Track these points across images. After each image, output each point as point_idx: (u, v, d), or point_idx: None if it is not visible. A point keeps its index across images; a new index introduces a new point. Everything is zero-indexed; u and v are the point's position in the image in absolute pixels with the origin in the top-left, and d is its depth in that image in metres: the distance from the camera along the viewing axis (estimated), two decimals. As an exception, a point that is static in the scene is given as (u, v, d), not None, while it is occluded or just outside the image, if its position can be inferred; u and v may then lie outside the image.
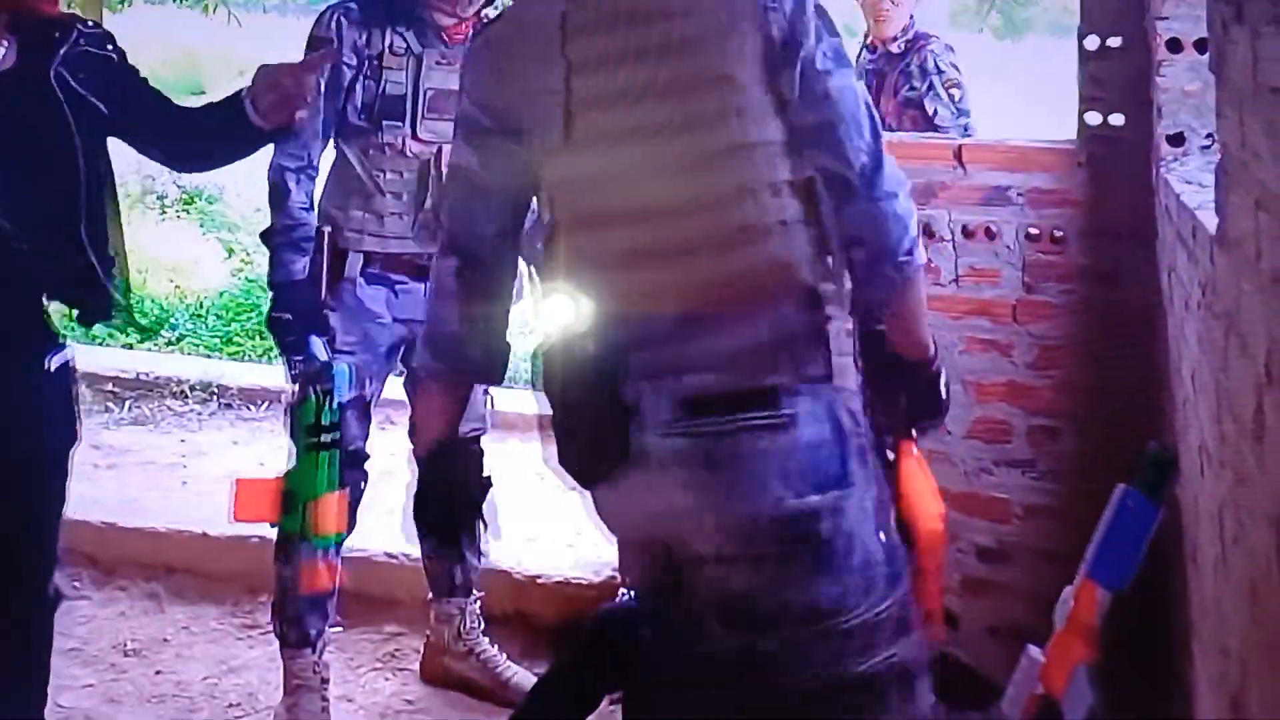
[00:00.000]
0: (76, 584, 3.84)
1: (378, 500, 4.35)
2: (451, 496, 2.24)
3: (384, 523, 4.06)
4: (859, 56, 5.35)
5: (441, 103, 2.90)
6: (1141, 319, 2.90)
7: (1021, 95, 13.58)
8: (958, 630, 3.15)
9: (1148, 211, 2.88)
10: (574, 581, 3.61)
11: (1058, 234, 3.02)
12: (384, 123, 2.92)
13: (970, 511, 3.11)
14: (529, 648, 3.42)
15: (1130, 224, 2.94)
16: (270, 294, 2.96)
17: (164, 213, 9.78)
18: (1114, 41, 2.94)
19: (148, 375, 5.38)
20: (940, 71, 5.02)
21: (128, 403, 5.31)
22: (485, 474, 2.72)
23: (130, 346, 6.54)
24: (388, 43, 2.90)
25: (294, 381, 2.88)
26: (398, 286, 3.06)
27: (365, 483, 3.17)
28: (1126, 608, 2.40)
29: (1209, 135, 2.70)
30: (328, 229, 2.99)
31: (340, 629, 3.54)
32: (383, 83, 2.90)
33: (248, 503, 2.79)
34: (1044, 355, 3.05)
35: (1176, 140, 2.76)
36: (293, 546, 2.87)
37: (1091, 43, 2.97)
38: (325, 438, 2.79)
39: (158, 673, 3.48)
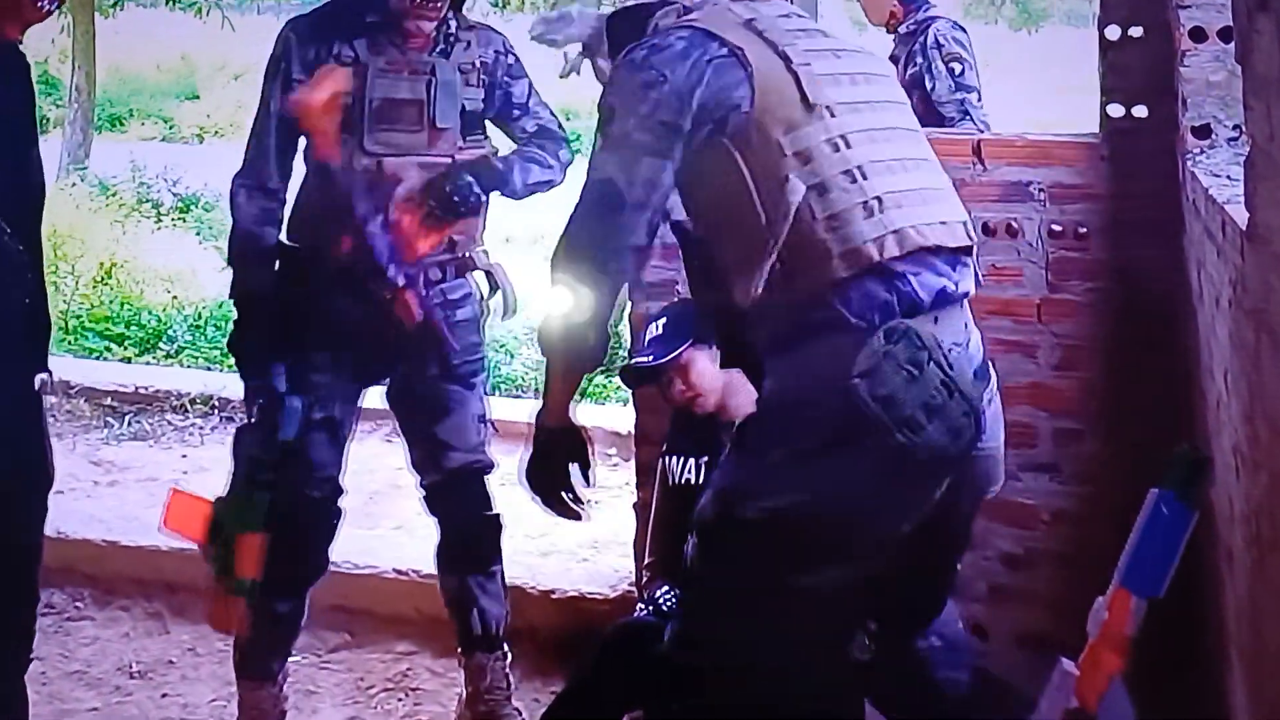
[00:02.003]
0: (79, 604, 3.81)
1: (386, 515, 4.33)
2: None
3: (393, 539, 4.04)
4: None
5: (393, 111, 2.88)
6: (1168, 317, 2.85)
7: (1038, 87, 13.54)
8: (986, 641, 3.10)
9: (1174, 205, 2.83)
10: (588, 596, 3.55)
11: (1081, 230, 2.97)
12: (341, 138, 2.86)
13: (996, 519, 3.05)
14: (542, 663, 3.36)
15: (1156, 218, 2.89)
16: (235, 308, 2.94)
17: (159, 221, 9.77)
18: (1135, 31, 2.90)
19: (147, 389, 5.33)
20: (940, 46, 4.96)
21: (127, 417, 5.24)
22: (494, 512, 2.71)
23: (129, 360, 6.46)
24: (334, 53, 2.85)
25: (251, 405, 2.84)
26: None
27: (339, 519, 3.07)
28: (1161, 613, 2.35)
29: (1236, 127, 2.66)
30: (292, 239, 2.96)
31: (350, 646, 3.53)
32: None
33: (179, 515, 2.76)
34: (1068, 356, 3.01)
35: (1202, 132, 2.72)
36: (212, 580, 2.78)
37: (1112, 32, 2.93)
38: (269, 475, 2.75)
39: (164, 695, 3.44)
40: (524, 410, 3.64)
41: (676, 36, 2.17)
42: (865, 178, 2.13)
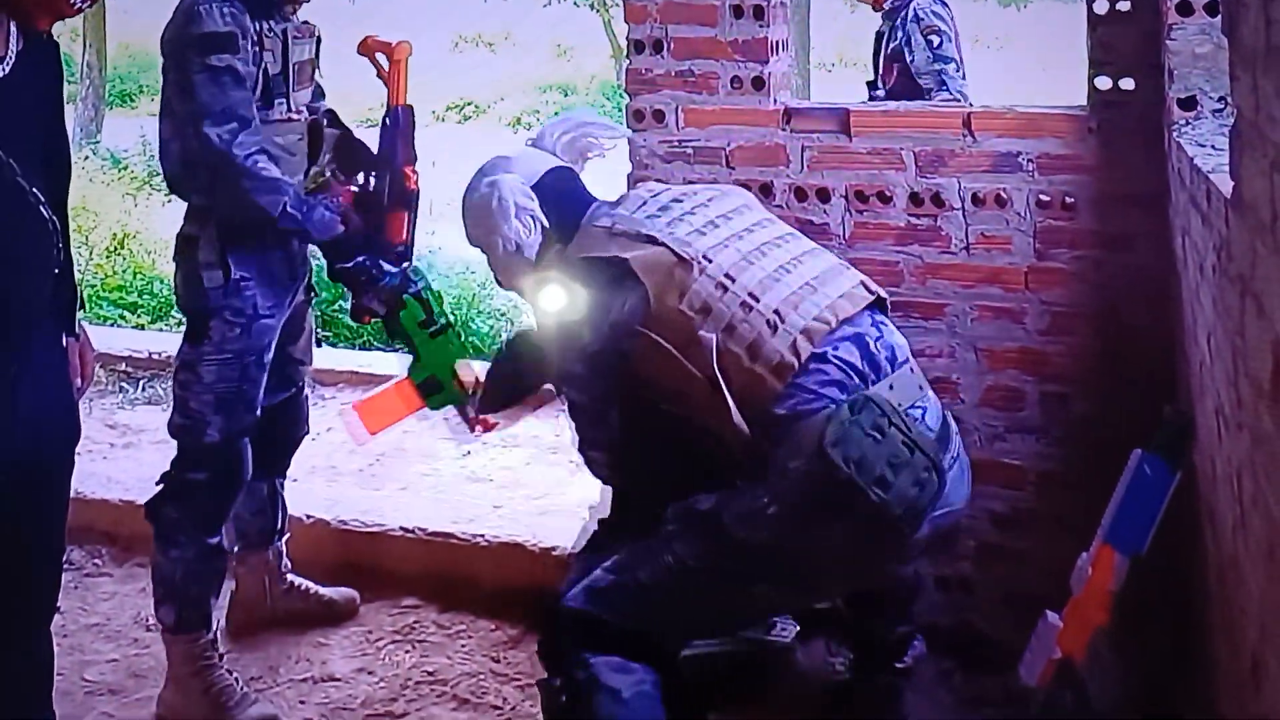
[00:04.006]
0: (97, 561, 3.88)
1: (391, 477, 4.40)
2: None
3: (399, 499, 4.11)
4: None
5: (300, 73, 3.14)
6: (1154, 284, 2.90)
7: (1027, 61, 13.53)
8: (974, 597, 3.17)
9: (1160, 176, 2.88)
10: (589, 554, 3.62)
11: (1069, 200, 3.02)
12: (274, 101, 3.05)
13: (984, 479, 3.11)
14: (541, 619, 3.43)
15: (1142, 188, 2.94)
16: (326, 252, 3.08)
17: (169, 194, 9.77)
18: (1123, 5, 2.93)
19: (160, 355, 5.36)
20: (919, 19, 5.04)
21: (141, 383, 5.35)
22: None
23: (142, 327, 6.57)
24: (261, 27, 3.01)
25: (375, 302, 3.07)
26: (289, 245, 3.16)
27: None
28: (1145, 571, 2.42)
29: (1221, 98, 2.70)
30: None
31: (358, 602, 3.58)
32: (263, 64, 3.01)
33: (377, 415, 3.15)
34: (1056, 322, 3.06)
35: (1188, 104, 2.76)
36: (456, 414, 3.16)
37: (1100, 6, 2.96)
38: (440, 322, 3.11)
39: (179, 646, 3.50)
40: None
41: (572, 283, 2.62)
42: (757, 300, 2.49)
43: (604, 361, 2.54)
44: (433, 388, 3.12)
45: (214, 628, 3.16)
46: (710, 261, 2.51)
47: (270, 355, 3.12)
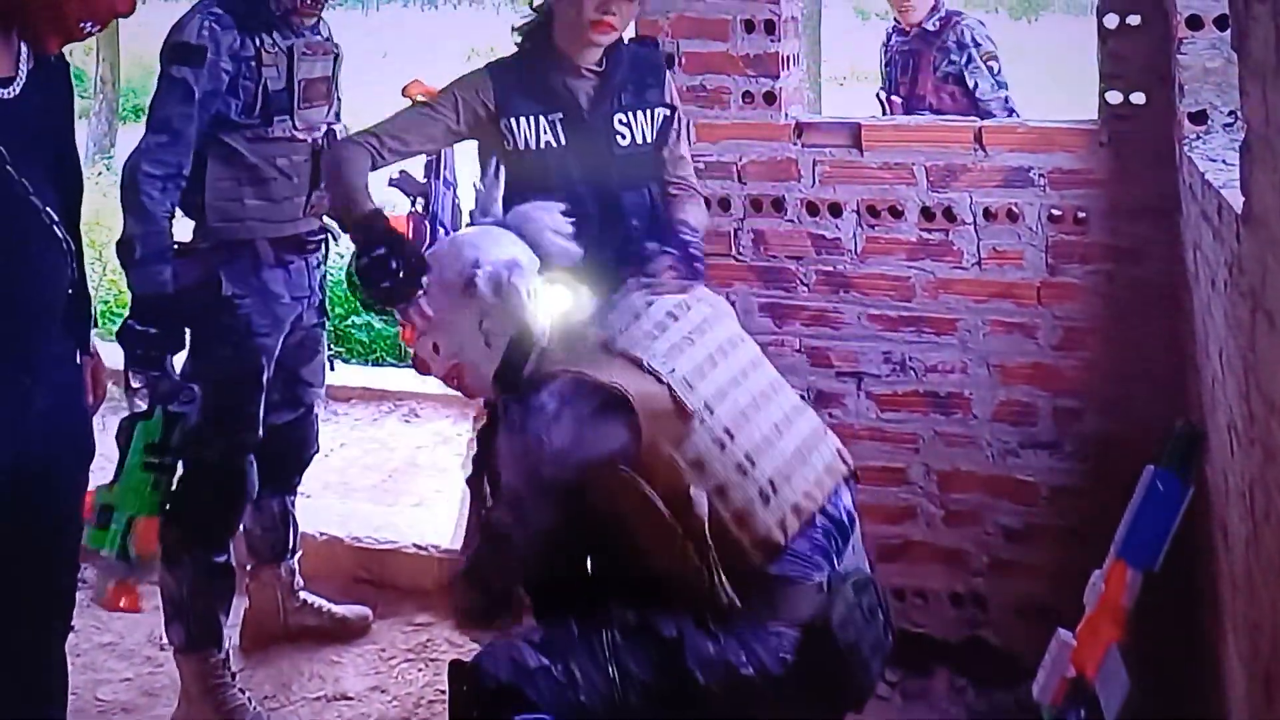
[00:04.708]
0: (111, 580, 3.89)
1: (405, 492, 4.41)
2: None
3: (412, 515, 4.11)
4: (888, 41, 5.38)
5: (312, 91, 3.10)
6: (1166, 298, 2.90)
7: (1039, 75, 13.53)
8: (986, 612, 3.17)
9: (1171, 190, 2.88)
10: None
11: (1080, 214, 3.02)
12: (274, 118, 3.03)
13: (997, 493, 3.12)
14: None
15: (1153, 203, 2.93)
16: (133, 306, 2.91)
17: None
18: (1133, 19, 2.94)
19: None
20: (978, 45, 5.06)
21: (156, 401, 5.37)
22: None
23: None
24: (260, 43, 3.00)
25: (136, 394, 2.89)
26: (290, 266, 3.15)
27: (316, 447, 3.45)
28: (1158, 587, 2.41)
29: (1232, 112, 2.70)
30: (224, 227, 3.04)
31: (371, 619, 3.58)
32: (262, 80, 3.00)
33: None
34: (1068, 336, 3.05)
35: (1199, 118, 2.75)
36: (106, 564, 2.83)
37: (1111, 20, 2.96)
38: (164, 459, 2.81)
39: (192, 665, 3.51)
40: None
41: (549, 394, 2.23)
42: (754, 464, 2.27)
43: (556, 493, 2.23)
44: (103, 519, 2.74)
45: (225, 646, 3.16)
46: (711, 414, 2.27)
47: (269, 374, 3.10)
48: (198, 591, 3.09)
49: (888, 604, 2.36)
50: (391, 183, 3.37)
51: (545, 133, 2.73)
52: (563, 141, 2.73)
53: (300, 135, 3.08)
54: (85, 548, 2.59)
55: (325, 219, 3.18)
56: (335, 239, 3.27)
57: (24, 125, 2.26)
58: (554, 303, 2.41)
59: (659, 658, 2.22)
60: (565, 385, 2.24)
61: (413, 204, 3.45)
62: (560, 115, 2.75)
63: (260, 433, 3.10)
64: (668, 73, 2.96)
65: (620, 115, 2.80)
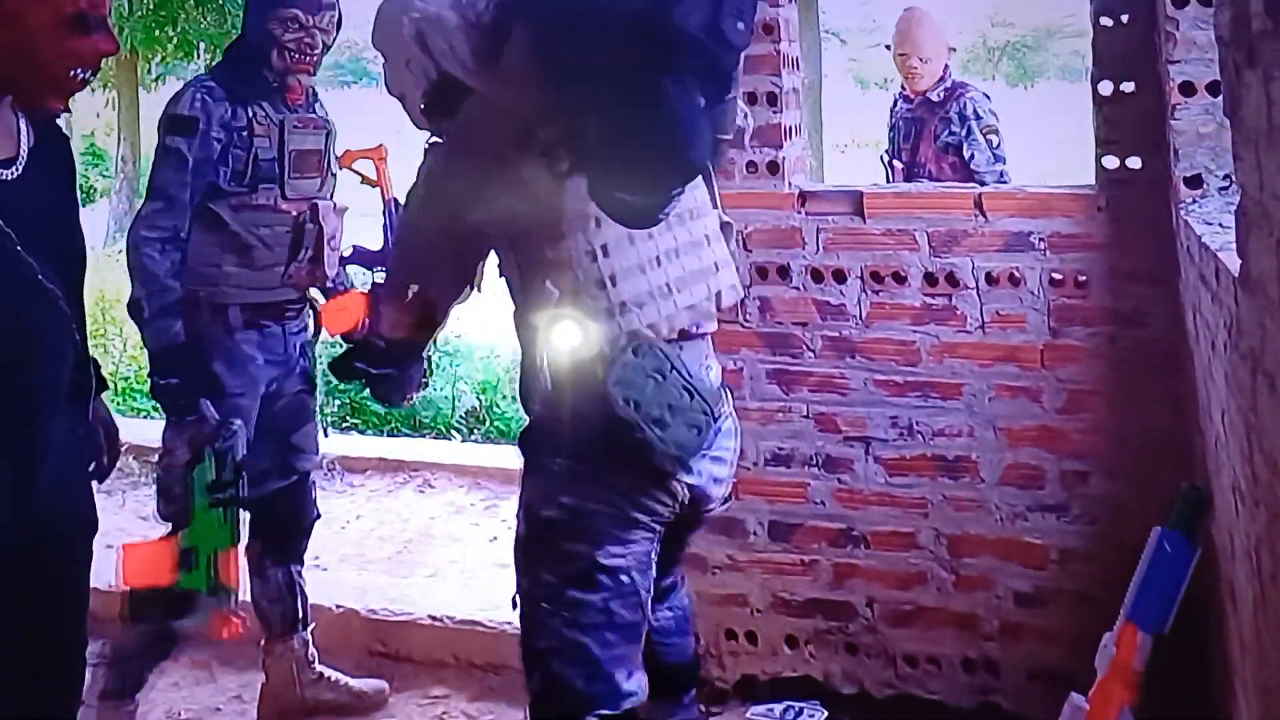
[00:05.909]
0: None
1: (420, 563, 4.41)
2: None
3: (427, 586, 4.11)
4: (894, 107, 5.45)
5: (303, 162, 3.26)
6: (1168, 360, 2.92)
7: (1036, 141, 13.65)
8: (999, 678, 3.16)
9: (1169, 253, 2.91)
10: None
11: (1081, 278, 3.05)
12: (260, 186, 3.17)
13: (1007, 557, 3.12)
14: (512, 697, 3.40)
15: (1152, 266, 2.96)
16: (151, 362, 3.07)
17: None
18: (1127, 86, 2.98)
19: (191, 447, 5.44)
20: (979, 118, 5.12)
21: (174, 474, 5.39)
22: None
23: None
24: (252, 114, 3.15)
25: (180, 442, 2.98)
26: (265, 330, 3.25)
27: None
28: (1169, 649, 2.41)
29: (1226, 176, 2.73)
30: (202, 290, 3.15)
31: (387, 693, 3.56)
32: (253, 150, 3.15)
33: (139, 567, 2.84)
34: (1073, 399, 3.07)
35: (1194, 182, 2.79)
36: (197, 603, 2.90)
37: (1105, 87, 3.01)
38: (227, 493, 2.90)
39: (211, 740, 3.51)
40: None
41: None
42: (614, 284, 2.36)
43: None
44: (188, 562, 2.84)
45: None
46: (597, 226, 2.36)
47: (249, 436, 3.11)
48: (145, 647, 3.13)
49: (688, 370, 2.36)
50: (345, 261, 3.42)
51: None
52: None
53: (284, 206, 3.21)
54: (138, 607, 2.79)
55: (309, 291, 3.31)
56: (314, 308, 3.38)
57: (28, 205, 2.28)
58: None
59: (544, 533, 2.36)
60: None
61: (373, 275, 3.47)
62: None
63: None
64: None
65: None
